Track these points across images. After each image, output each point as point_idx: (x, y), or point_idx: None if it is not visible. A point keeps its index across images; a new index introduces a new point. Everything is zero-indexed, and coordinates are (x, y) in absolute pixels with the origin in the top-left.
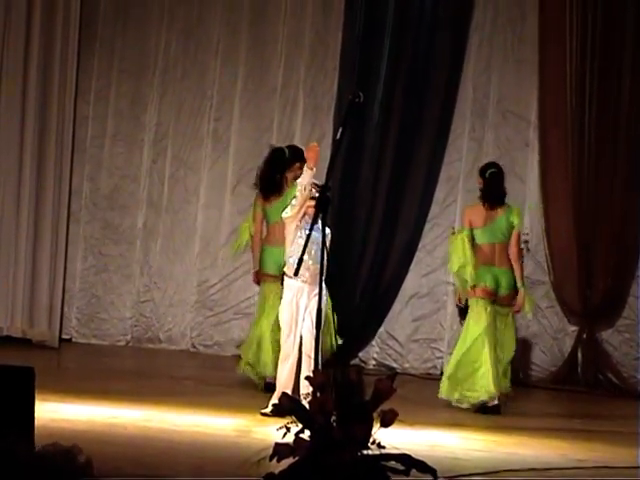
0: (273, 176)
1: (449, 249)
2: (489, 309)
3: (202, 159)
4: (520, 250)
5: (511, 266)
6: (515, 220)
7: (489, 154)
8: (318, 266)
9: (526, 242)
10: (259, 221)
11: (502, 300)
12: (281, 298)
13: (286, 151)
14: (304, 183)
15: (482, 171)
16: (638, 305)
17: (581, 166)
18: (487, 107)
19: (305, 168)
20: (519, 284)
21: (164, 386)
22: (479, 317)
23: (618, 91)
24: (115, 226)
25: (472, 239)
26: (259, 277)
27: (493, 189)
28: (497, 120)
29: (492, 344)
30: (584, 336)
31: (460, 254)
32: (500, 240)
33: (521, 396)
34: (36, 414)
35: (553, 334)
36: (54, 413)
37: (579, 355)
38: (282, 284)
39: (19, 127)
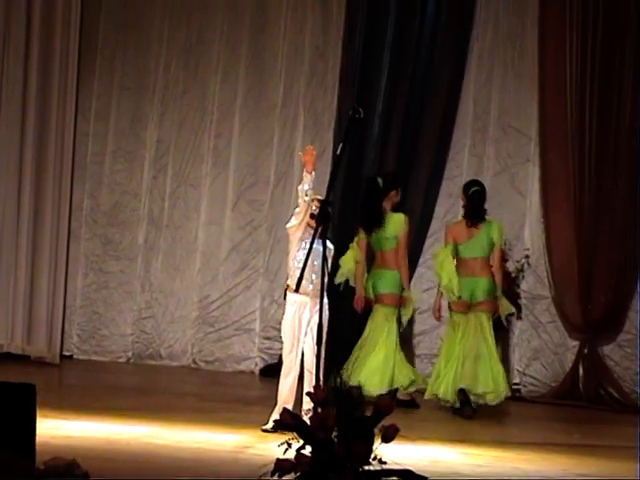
0: (371, 207)
1: (435, 264)
2: (463, 321)
3: (203, 175)
4: (503, 263)
5: (490, 275)
6: (495, 235)
7: (490, 169)
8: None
9: (527, 257)
10: (363, 249)
11: (480, 305)
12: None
13: (379, 180)
14: (304, 189)
15: (465, 189)
16: (639, 319)
17: (582, 181)
18: (488, 122)
19: (304, 172)
20: (499, 292)
21: (165, 402)
22: (456, 328)
23: (618, 106)
24: (116, 243)
25: (456, 254)
26: (364, 302)
27: (475, 207)
28: (498, 135)
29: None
30: (585, 351)
31: (447, 268)
32: (481, 254)
33: (522, 411)
34: (37, 431)
35: (554, 349)
36: (55, 430)
37: (580, 370)
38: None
39: (19, 144)
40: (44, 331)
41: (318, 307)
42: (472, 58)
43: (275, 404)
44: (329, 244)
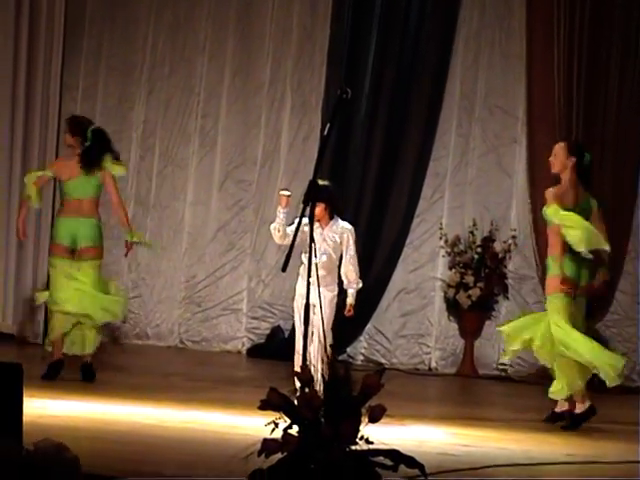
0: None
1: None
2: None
3: (189, 156)
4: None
5: None
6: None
7: (476, 149)
8: (325, 263)
9: (513, 238)
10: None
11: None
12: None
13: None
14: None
15: (578, 151)
16: None
17: None
18: (474, 102)
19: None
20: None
21: (152, 382)
22: None
23: (606, 87)
24: (103, 222)
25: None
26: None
27: (589, 174)
28: (484, 115)
29: None
30: None
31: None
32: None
33: (509, 391)
34: (24, 410)
35: None
36: (42, 410)
37: None
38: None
39: (9, 125)
40: (27, 310)
41: (326, 289)
42: (459, 38)
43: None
44: (348, 225)
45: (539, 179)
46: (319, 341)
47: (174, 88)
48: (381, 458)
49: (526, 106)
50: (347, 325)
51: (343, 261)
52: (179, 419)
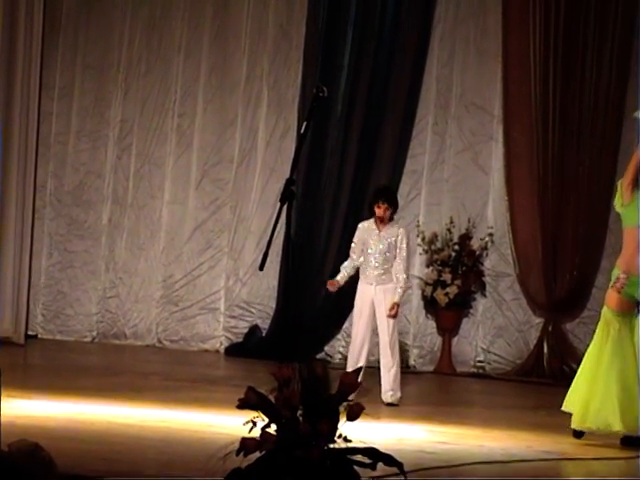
0: None
1: None
2: None
3: (166, 155)
4: None
5: None
6: None
7: (453, 147)
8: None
9: (490, 235)
10: None
11: None
12: None
13: None
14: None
15: None
16: None
17: (545, 159)
18: (450, 100)
19: None
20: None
21: (130, 382)
22: None
23: (582, 84)
24: (80, 222)
25: None
26: None
27: None
28: (460, 113)
29: None
30: (549, 328)
31: None
32: None
33: (487, 388)
34: (2, 411)
35: (518, 326)
36: (20, 410)
37: (544, 347)
38: None
39: None
40: (10, 311)
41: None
42: (434, 36)
43: None
44: (403, 227)
45: (516, 176)
46: (386, 334)
47: (150, 87)
48: (359, 456)
49: (502, 103)
50: (325, 323)
51: (395, 261)
52: (157, 418)
